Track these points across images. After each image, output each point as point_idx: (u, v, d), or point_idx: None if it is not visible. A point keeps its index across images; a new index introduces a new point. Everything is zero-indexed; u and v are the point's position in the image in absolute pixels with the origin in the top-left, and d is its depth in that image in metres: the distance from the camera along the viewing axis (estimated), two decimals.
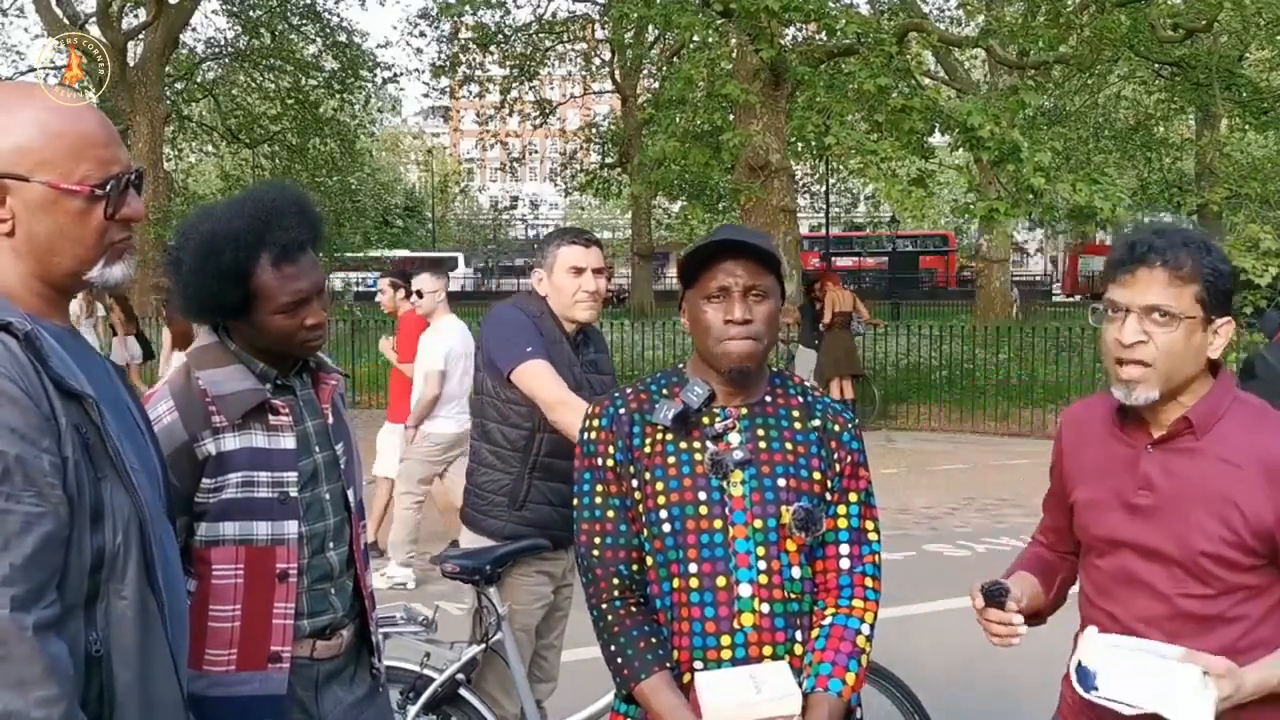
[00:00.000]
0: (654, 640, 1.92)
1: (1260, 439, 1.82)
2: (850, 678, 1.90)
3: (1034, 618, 2.05)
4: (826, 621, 1.96)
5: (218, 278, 2.04)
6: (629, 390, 2.06)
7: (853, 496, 2.01)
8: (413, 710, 3.08)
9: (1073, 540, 2.09)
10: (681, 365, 2.08)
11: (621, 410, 2.01)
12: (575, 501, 2.04)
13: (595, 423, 2.02)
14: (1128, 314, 1.82)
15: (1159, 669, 1.70)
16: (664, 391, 2.02)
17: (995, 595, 1.89)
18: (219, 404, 2.06)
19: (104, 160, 1.45)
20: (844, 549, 1.99)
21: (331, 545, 2.17)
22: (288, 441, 2.11)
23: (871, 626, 1.98)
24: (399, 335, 7.17)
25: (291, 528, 2.07)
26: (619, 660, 1.93)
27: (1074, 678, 1.75)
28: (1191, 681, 1.67)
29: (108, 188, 1.44)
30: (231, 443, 2.05)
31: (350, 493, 2.23)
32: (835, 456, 2.00)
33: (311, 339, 2.14)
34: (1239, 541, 1.78)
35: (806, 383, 2.14)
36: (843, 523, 2.00)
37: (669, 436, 1.97)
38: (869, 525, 2.02)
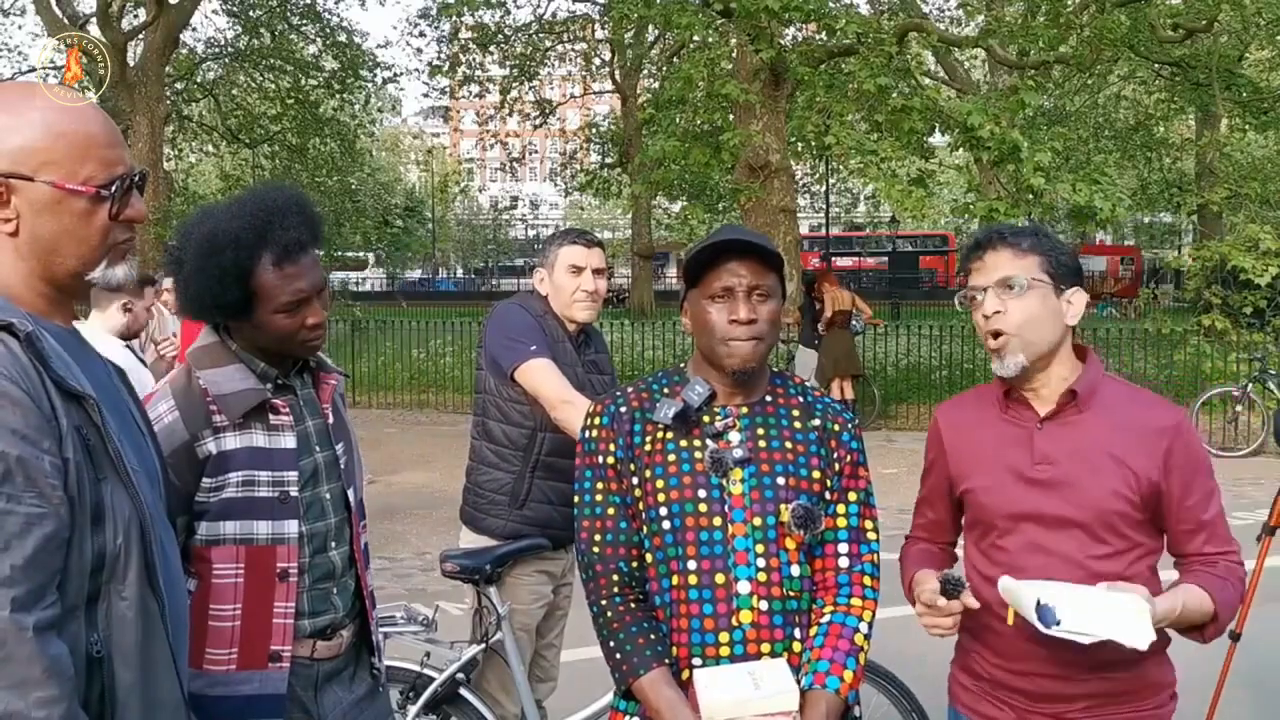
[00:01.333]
0: (653, 637, 1.93)
1: (1136, 408, 2.03)
2: (848, 675, 1.91)
3: None
4: (825, 619, 1.96)
5: (219, 277, 2.04)
6: (630, 389, 2.06)
7: (852, 496, 2.02)
8: (413, 710, 3.08)
9: (954, 531, 2.26)
10: (683, 364, 2.09)
11: (623, 408, 2.02)
12: (576, 499, 2.04)
13: (596, 420, 2.03)
14: (985, 292, 2.02)
15: (1104, 600, 1.82)
16: (665, 390, 2.03)
17: (956, 588, 1.94)
18: (220, 403, 2.06)
19: (108, 161, 1.45)
20: (843, 548, 2.00)
21: (333, 545, 2.17)
22: (288, 441, 2.11)
23: (870, 625, 1.99)
24: (183, 331, 7.24)
25: (292, 527, 2.08)
26: (618, 656, 1.93)
27: (1034, 617, 1.83)
28: (1135, 606, 1.80)
29: (112, 189, 1.44)
30: (232, 442, 2.06)
31: (350, 492, 2.23)
32: (835, 456, 2.01)
33: (312, 338, 2.14)
34: (1133, 498, 1.96)
35: (807, 383, 2.14)
36: (841, 522, 2.00)
37: (669, 435, 1.97)
38: (868, 525, 2.03)
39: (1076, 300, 2.04)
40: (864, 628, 1.97)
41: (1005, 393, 2.08)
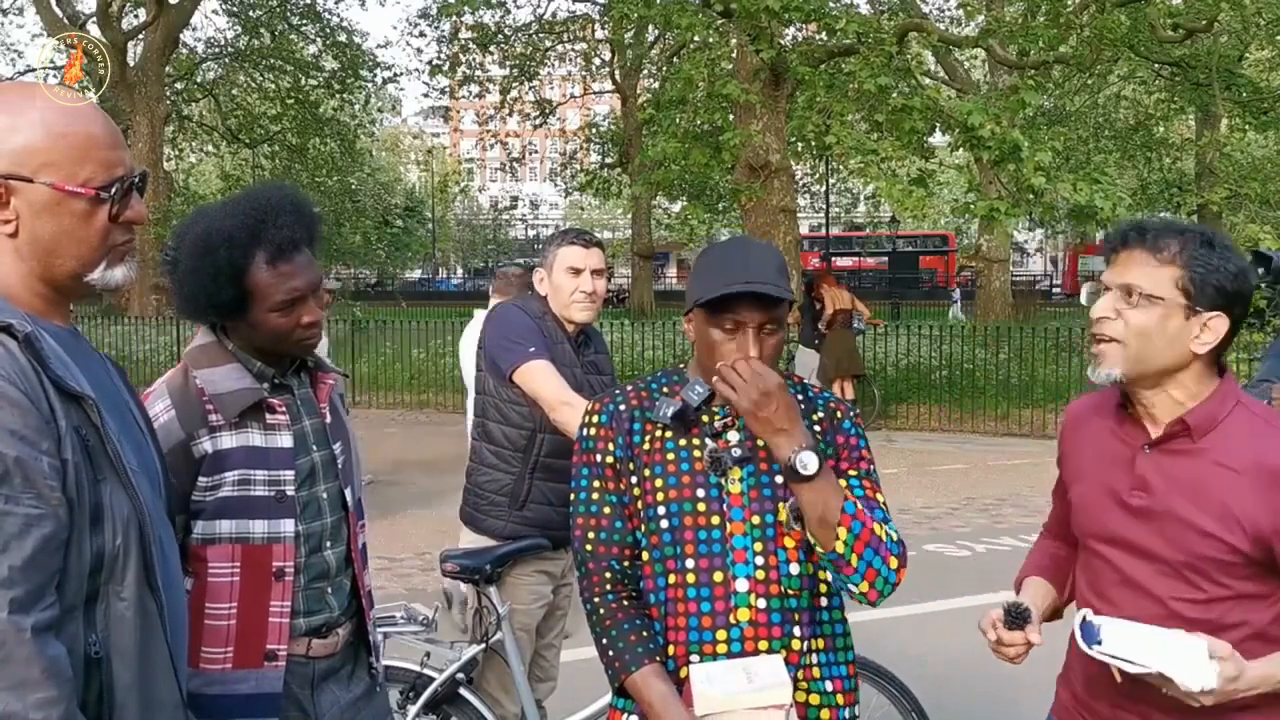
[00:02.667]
0: (645, 634, 1.93)
1: (1261, 445, 1.78)
2: (854, 509, 1.82)
3: (1053, 617, 2.08)
4: None
5: (213, 276, 2.04)
6: (629, 388, 2.06)
7: (851, 472, 1.96)
8: (413, 710, 3.08)
9: None
10: (682, 365, 2.09)
11: (622, 407, 2.01)
12: (572, 496, 2.03)
13: (595, 419, 2.02)
14: (1106, 291, 1.85)
15: (1165, 636, 1.69)
16: (664, 390, 2.02)
17: (1020, 619, 1.89)
18: (216, 402, 2.06)
19: (108, 162, 1.44)
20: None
21: (329, 544, 2.17)
22: (285, 440, 2.11)
23: (896, 534, 1.90)
24: None
25: (288, 526, 2.08)
26: (610, 653, 1.93)
27: (1077, 633, 1.72)
28: (1196, 651, 1.65)
29: (112, 190, 1.44)
30: (228, 441, 2.06)
31: (348, 492, 2.23)
32: (835, 441, 1.99)
33: (307, 337, 2.14)
34: (1234, 547, 1.76)
35: (807, 382, 2.13)
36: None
37: (668, 434, 1.97)
38: (879, 499, 1.96)
39: (1214, 326, 1.79)
40: (881, 513, 1.89)
41: (1120, 404, 1.92)
